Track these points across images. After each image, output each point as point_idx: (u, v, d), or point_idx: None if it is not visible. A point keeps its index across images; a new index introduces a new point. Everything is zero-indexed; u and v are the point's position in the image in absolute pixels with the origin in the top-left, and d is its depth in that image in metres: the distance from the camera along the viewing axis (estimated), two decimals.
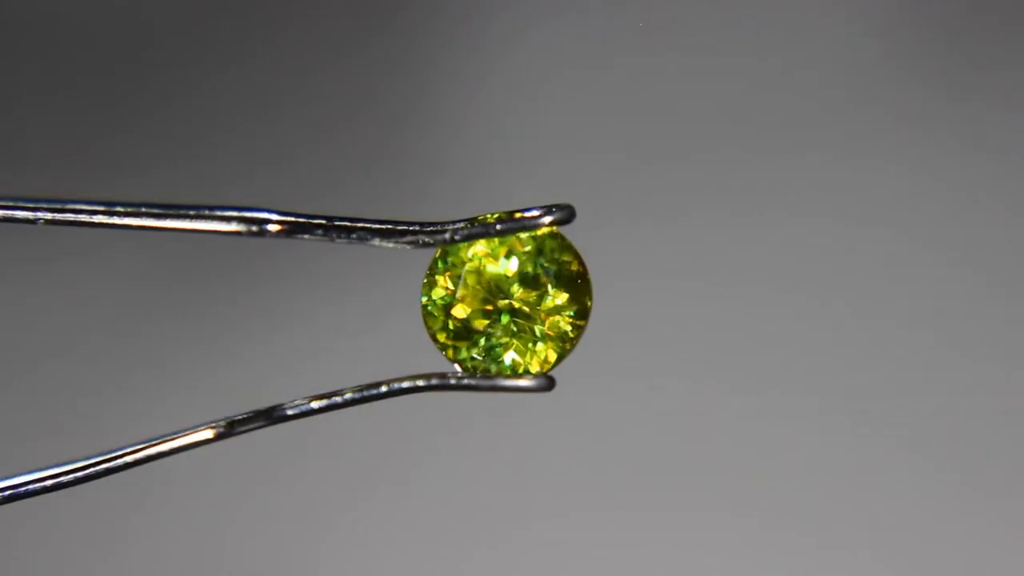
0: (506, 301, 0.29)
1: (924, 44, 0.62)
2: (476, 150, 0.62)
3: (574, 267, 0.29)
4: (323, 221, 0.27)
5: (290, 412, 0.29)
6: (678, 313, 0.60)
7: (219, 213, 0.28)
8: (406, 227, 0.27)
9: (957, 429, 0.59)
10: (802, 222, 0.61)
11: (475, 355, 0.29)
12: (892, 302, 0.60)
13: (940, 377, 0.60)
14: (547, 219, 0.28)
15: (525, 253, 0.29)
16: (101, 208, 0.28)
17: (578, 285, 0.29)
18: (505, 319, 0.29)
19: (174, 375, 0.59)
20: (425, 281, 0.29)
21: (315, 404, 0.28)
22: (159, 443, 0.29)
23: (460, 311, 0.29)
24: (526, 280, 0.29)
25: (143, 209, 0.30)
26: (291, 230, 0.27)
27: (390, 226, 0.28)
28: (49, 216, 0.28)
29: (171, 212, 0.28)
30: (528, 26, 0.62)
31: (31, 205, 0.30)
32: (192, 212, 0.27)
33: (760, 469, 0.59)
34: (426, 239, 0.27)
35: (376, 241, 0.27)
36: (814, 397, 0.60)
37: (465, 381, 0.28)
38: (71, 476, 0.31)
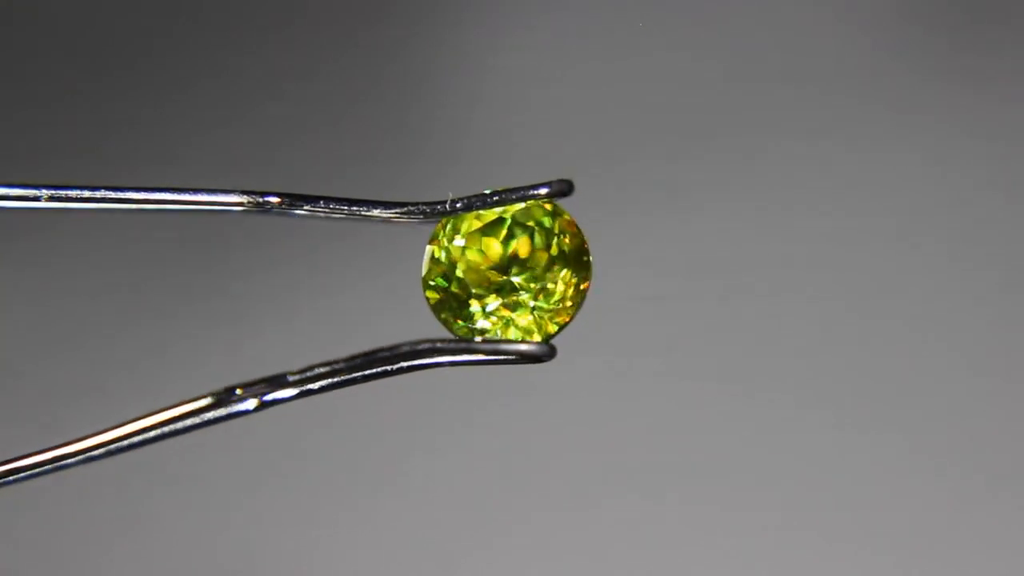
0: (504, 278, 0.29)
1: (923, 35, 0.62)
2: (476, 145, 0.62)
3: (574, 241, 0.29)
4: (324, 197, 0.27)
5: (313, 387, 0.28)
6: (678, 307, 0.60)
7: (220, 195, 0.28)
8: (406, 203, 0.27)
9: (957, 430, 0.59)
10: (803, 216, 0.61)
11: (475, 327, 0.29)
12: (893, 297, 0.60)
13: (941, 376, 0.60)
14: (544, 190, 0.28)
15: (525, 227, 0.29)
16: (105, 184, 0.29)
17: (578, 258, 0.29)
18: (506, 290, 0.29)
19: (174, 363, 0.59)
20: (425, 256, 0.30)
21: (331, 380, 0.28)
22: (186, 416, 0.28)
23: (460, 284, 0.29)
24: (526, 253, 0.29)
25: (145, 202, 0.30)
26: (292, 202, 0.27)
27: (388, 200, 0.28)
28: (50, 193, 0.29)
29: (170, 188, 0.28)
30: (529, 20, 0.63)
31: (32, 191, 0.30)
32: (192, 191, 0.27)
33: (759, 469, 0.59)
34: (424, 208, 0.28)
35: (375, 211, 0.27)
36: (813, 397, 0.60)
37: (465, 345, 0.28)
38: (74, 459, 0.30)
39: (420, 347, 0.27)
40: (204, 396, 0.28)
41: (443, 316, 0.30)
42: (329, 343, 0.59)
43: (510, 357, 0.28)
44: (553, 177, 0.30)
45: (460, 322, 0.29)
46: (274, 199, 0.27)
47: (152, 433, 0.30)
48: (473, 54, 0.62)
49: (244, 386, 0.28)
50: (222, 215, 0.30)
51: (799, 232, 0.61)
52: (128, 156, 0.61)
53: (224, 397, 0.27)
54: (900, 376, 0.60)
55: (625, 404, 0.60)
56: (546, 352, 0.29)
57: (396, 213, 0.27)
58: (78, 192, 0.28)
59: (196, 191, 0.30)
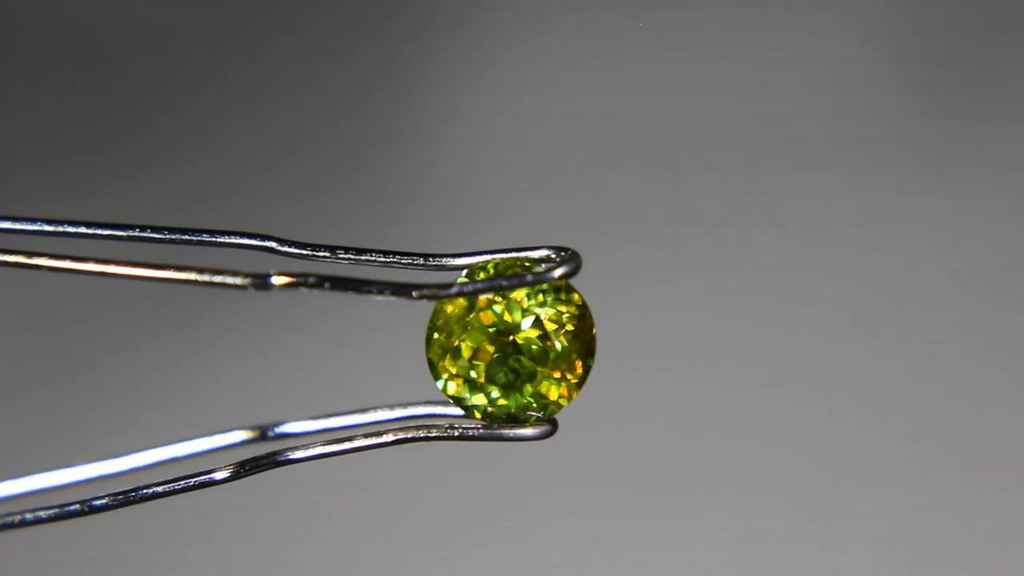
0: (509, 340, 0.29)
1: (928, 61, 0.62)
2: (461, 161, 0.62)
3: (580, 325, 0.29)
4: (329, 278, 0.27)
5: (298, 456, 0.29)
6: (675, 319, 0.60)
7: (220, 277, 0.28)
8: (413, 285, 0.27)
9: (955, 431, 0.59)
10: (801, 230, 0.61)
11: (477, 401, 0.29)
12: (891, 306, 0.60)
13: (939, 380, 0.60)
14: (556, 273, 0.28)
15: (532, 301, 0.29)
16: (94, 260, 0.29)
17: (584, 341, 0.29)
18: (511, 363, 0.29)
19: (165, 386, 0.59)
20: (429, 324, 0.30)
21: (324, 449, 0.29)
22: (171, 481, 0.29)
23: (464, 353, 0.29)
24: (532, 328, 0.29)
25: (143, 240, 0.30)
26: (295, 283, 0.27)
27: (395, 278, 0.28)
28: (49, 264, 0.29)
29: (171, 265, 0.28)
30: (517, 37, 0.62)
31: (31, 233, 0.30)
32: (194, 271, 0.27)
33: (758, 471, 0.59)
34: (433, 294, 0.28)
35: (380, 296, 0.27)
36: (813, 399, 0.60)
37: (469, 432, 0.28)
38: (77, 507, 0.31)
39: (425, 434, 0.27)
40: (220, 468, 0.28)
41: (445, 385, 0.30)
42: (320, 370, 0.59)
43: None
44: (555, 243, 0.30)
45: (465, 394, 0.29)
46: (277, 280, 0.27)
47: (156, 490, 0.30)
48: (435, 109, 0.62)
49: (249, 461, 0.28)
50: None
51: (798, 238, 0.61)
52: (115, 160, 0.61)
53: (233, 474, 0.27)
54: (900, 379, 0.60)
55: (623, 404, 0.60)
56: (547, 433, 0.29)
57: (403, 295, 0.27)
58: (72, 264, 0.28)
59: (196, 235, 0.30)
